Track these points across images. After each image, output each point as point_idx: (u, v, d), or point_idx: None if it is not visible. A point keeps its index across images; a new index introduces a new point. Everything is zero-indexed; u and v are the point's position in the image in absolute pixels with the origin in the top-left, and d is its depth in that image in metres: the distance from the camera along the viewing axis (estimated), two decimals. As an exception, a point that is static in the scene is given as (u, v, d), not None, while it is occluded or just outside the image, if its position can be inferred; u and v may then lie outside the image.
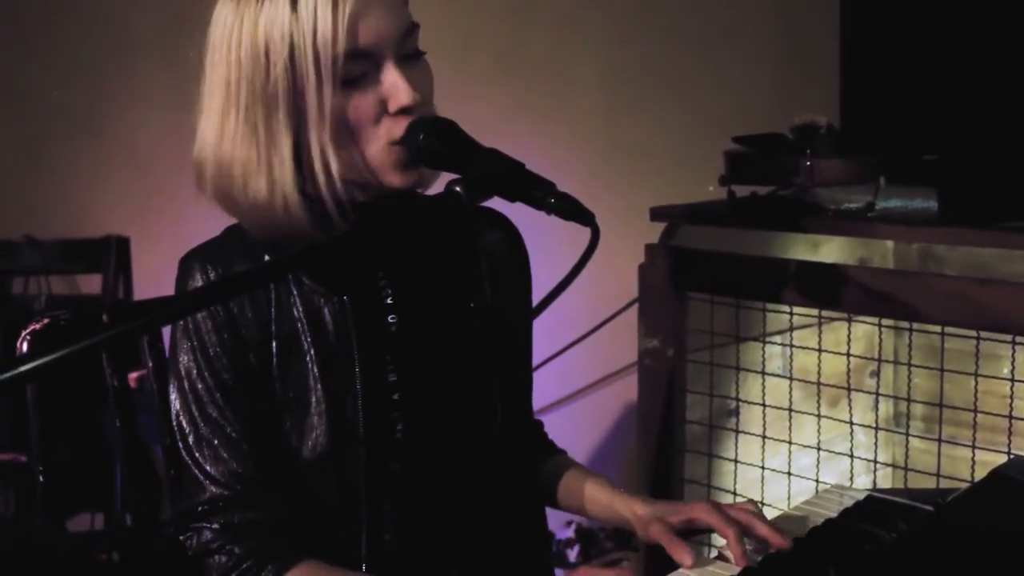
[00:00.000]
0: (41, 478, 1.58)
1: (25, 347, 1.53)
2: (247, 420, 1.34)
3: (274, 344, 1.36)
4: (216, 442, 1.33)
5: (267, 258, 1.36)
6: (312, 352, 1.35)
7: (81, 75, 3.56)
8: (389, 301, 1.40)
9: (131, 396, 1.63)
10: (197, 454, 1.34)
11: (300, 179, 1.28)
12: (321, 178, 1.27)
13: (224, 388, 1.34)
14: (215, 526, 1.33)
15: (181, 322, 1.35)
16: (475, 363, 1.44)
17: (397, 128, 1.27)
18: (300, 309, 1.36)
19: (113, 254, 3.27)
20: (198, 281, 1.35)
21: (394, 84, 1.27)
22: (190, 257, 1.38)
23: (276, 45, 1.23)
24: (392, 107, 1.27)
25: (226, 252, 1.37)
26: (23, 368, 0.91)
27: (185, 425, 1.35)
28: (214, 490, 1.33)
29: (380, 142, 1.28)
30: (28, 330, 1.54)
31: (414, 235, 1.43)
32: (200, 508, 1.34)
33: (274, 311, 1.36)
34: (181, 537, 1.35)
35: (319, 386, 1.35)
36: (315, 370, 1.35)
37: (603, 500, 1.54)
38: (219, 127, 1.29)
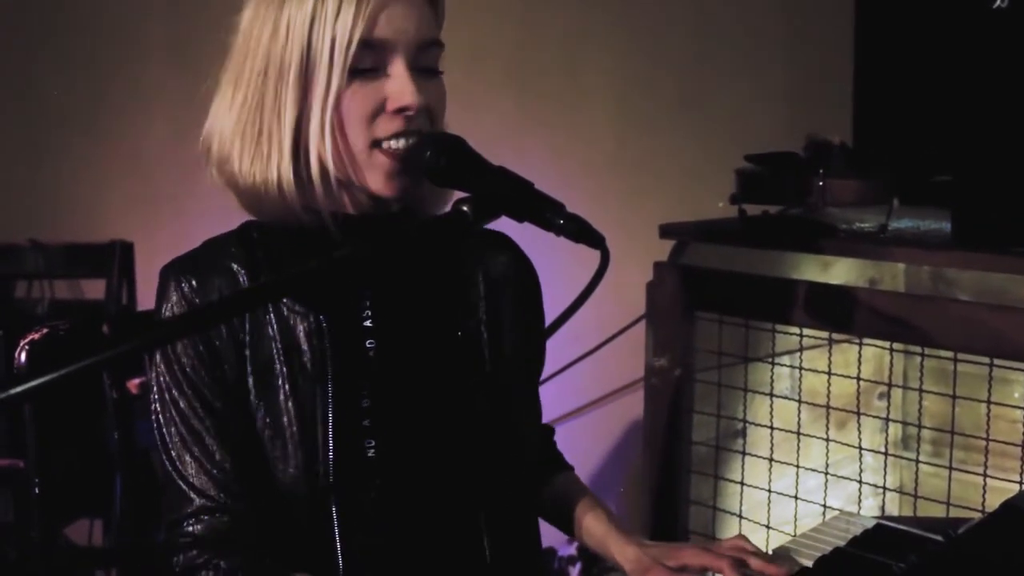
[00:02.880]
0: (37, 490, 1.55)
1: (23, 357, 1.51)
2: (228, 434, 1.32)
3: (248, 365, 1.33)
4: (198, 453, 1.31)
5: (243, 274, 1.35)
6: (284, 372, 1.32)
7: (87, 80, 3.55)
8: (368, 324, 1.37)
9: (131, 404, 1.62)
10: (180, 466, 1.31)
11: (296, 163, 1.28)
12: (315, 164, 1.27)
13: (203, 401, 1.32)
14: (203, 540, 1.30)
15: None
16: (457, 391, 1.40)
17: (388, 128, 1.27)
18: (275, 328, 1.33)
19: (117, 259, 3.25)
20: (172, 294, 1.34)
21: (400, 82, 1.27)
22: (167, 270, 1.36)
23: (297, 24, 1.25)
24: (391, 105, 1.27)
25: (204, 264, 1.35)
26: (19, 389, 0.90)
27: (168, 439, 1.32)
28: (199, 501, 1.30)
29: (366, 139, 1.27)
30: (27, 340, 1.51)
31: (404, 256, 1.40)
32: (186, 521, 1.31)
33: (249, 329, 1.34)
34: (172, 557, 1.33)
35: (290, 406, 1.31)
36: (286, 390, 1.32)
37: (597, 534, 1.52)
38: (229, 100, 1.31)
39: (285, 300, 1.34)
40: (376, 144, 1.28)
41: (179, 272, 1.34)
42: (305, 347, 1.33)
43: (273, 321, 1.33)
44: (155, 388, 1.34)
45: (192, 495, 1.31)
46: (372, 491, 1.33)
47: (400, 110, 1.26)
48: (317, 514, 1.32)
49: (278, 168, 1.28)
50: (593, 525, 1.53)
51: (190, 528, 1.31)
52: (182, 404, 1.32)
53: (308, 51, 1.25)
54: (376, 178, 1.29)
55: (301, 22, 1.25)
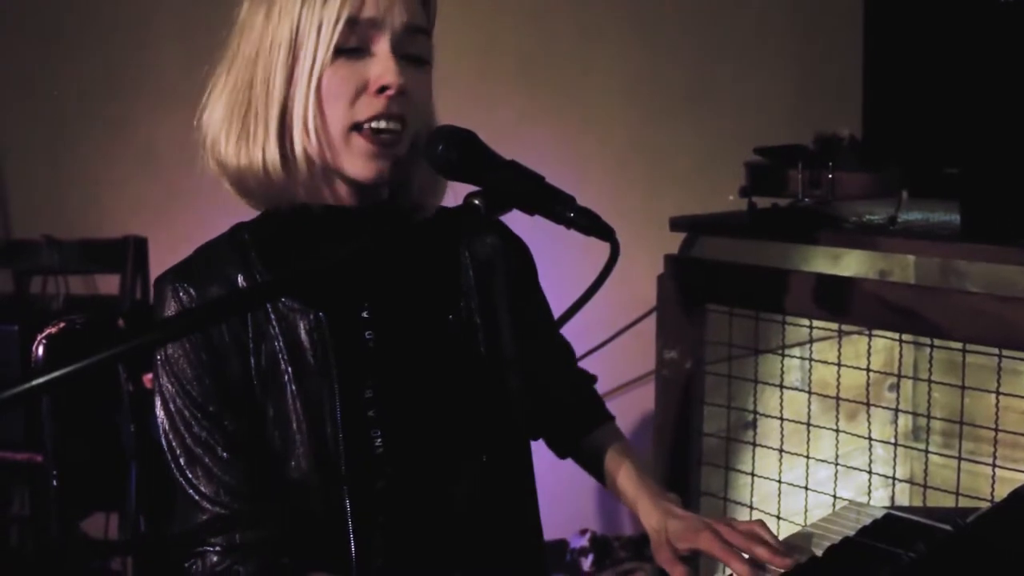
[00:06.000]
0: (55, 483, 1.57)
1: (41, 351, 1.53)
2: (235, 438, 1.32)
3: (252, 364, 1.34)
4: (207, 461, 1.32)
5: (239, 278, 1.36)
6: (290, 371, 1.33)
7: (100, 77, 3.58)
8: (365, 315, 1.38)
9: (146, 398, 1.63)
10: (190, 474, 1.32)
11: (281, 144, 1.29)
12: (299, 145, 1.28)
13: (208, 408, 1.32)
14: (218, 548, 1.31)
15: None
16: (455, 375, 1.42)
17: (369, 109, 1.28)
18: (276, 327, 1.34)
19: (131, 255, 3.27)
20: (170, 303, 1.34)
21: (382, 62, 1.28)
22: (163, 279, 1.36)
23: (288, 5, 1.27)
24: (373, 85, 1.28)
25: (200, 272, 1.36)
26: (37, 382, 0.91)
27: (175, 446, 1.33)
28: (212, 509, 1.31)
29: (346, 121, 1.28)
30: (44, 334, 1.53)
31: (400, 250, 1.41)
32: (200, 529, 1.32)
33: (251, 330, 1.34)
34: (185, 564, 1.33)
35: (298, 404, 1.33)
36: (293, 388, 1.33)
37: (629, 494, 1.56)
38: (221, 86, 1.33)
39: (284, 300, 1.35)
40: (356, 127, 1.29)
41: (175, 281, 1.35)
42: (307, 344, 1.34)
43: (274, 321, 1.34)
44: (160, 398, 1.34)
45: (204, 503, 1.31)
46: (381, 480, 1.35)
47: (381, 89, 1.28)
48: (329, 506, 1.33)
49: (263, 148, 1.29)
50: (625, 485, 1.57)
51: (205, 535, 1.32)
52: (187, 414, 1.33)
53: (297, 31, 1.26)
54: (353, 161, 1.30)
55: (292, 3, 1.27)
